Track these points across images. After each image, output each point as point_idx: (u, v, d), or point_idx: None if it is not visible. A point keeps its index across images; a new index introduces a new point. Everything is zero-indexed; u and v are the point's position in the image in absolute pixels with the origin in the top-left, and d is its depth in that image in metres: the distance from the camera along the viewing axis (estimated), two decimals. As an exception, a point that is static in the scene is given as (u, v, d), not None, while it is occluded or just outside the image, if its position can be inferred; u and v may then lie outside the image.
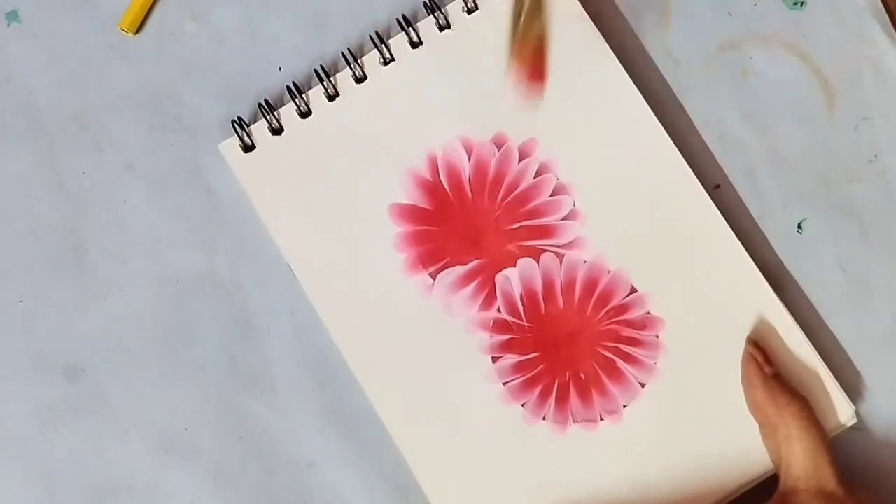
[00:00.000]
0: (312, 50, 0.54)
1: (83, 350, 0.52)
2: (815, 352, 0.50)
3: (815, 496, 0.46)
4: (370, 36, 0.53)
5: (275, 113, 0.52)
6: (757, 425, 0.49)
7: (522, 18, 0.48)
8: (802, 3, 0.55)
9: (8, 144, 0.54)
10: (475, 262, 0.51)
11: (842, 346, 0.52)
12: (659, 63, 0.54)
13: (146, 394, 0.52)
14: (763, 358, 0.49)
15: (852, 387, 0.51)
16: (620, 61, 0.52)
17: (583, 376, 0.51)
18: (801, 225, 0.53)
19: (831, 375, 0.50)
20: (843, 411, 0.50)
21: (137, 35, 0.55)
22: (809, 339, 0.50)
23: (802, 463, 0.47)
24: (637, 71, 0.53)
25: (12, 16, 0.55)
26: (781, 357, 0.50)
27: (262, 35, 0.55)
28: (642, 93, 0.52)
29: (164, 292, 0.53)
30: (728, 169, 0.54)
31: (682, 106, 0.54)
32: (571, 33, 0.52)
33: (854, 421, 0.50)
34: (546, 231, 0.52)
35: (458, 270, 0.51)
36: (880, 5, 0.55)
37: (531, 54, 0.48)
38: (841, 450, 0.48)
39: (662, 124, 0.52)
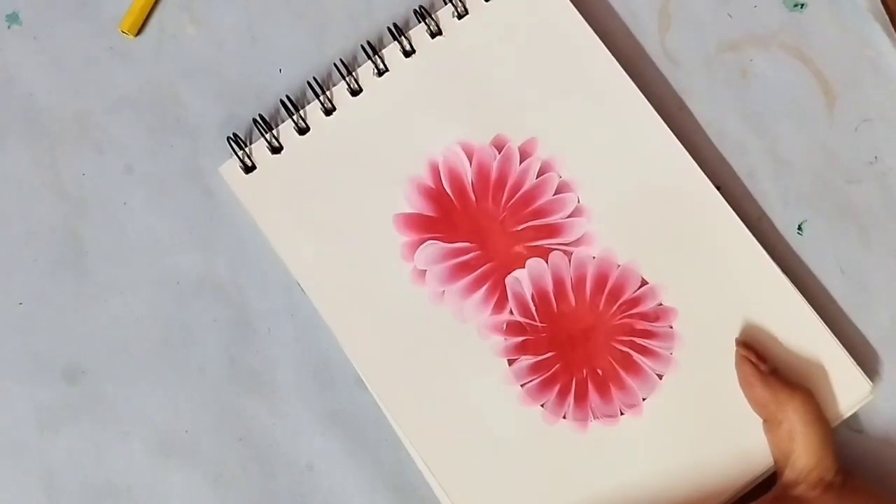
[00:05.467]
0: (312, 51, 0.54)
1: (83, 352, 0.52)
2: (828, 330, 0.50)
3: (815, 486, 0.47)
4: (362, 46, 0.53)
5: (273, 131, 0.52)
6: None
7: None
8: (802, 5, 0.55)
9: (8, 146, 0.54)
10: (484, 266, 0.51)
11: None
12: (659, 64, 0.55)
13: (146, 396, 0.52)
14: (756, 357, 0.49)
15: (853, 388, 0.51)
16: (620, 63, 0.53)
17: (600, 372, 0.51)
18: (802, 226, 0.53)
19: (845, 352, 0.50)
20: (860, 387, 0.50)
21: (138, 37, 0.55)
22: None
23: (806, 457, 0.47)
24: (637, 72, 0.53)
25: (13, 18, 0.55)
26: (793, 336, 0.50)
27: (262, 37, 0.55)
28: (642, 94, 0.52)
29: (163, 294, 0.53)
30: (728, 170, 0.54)
31: (682, 107, 0.54)
32: (562, 31, 0.53)
33: (871, 397, 0.50)
34: (552, 230, 0.52)
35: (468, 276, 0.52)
36: (880, 6, 0.55)
37: None
38: (841, 451, 0.48)
39: (662, 126, 0.52)
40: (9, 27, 0.55)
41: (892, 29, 0.55)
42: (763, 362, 0.49)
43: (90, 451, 0.51)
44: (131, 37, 0.55)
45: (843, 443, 0.50)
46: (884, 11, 0.55)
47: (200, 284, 0.53)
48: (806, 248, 0.53)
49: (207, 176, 0.54)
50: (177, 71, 0.55)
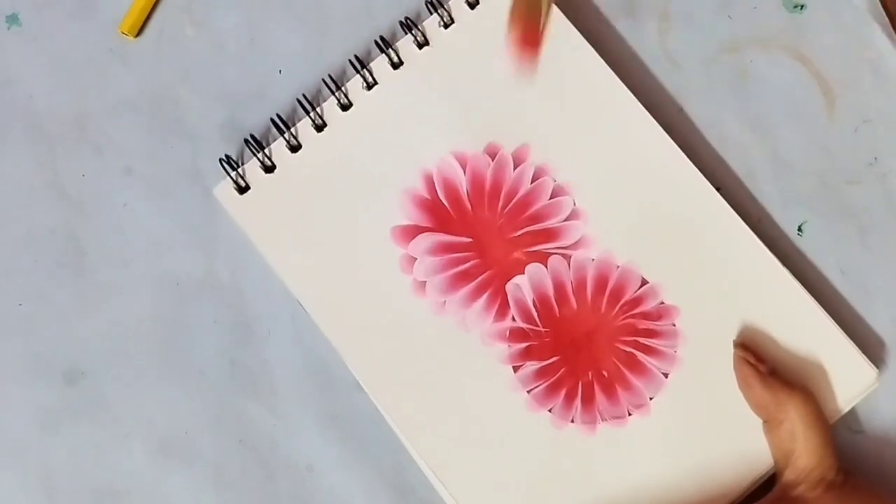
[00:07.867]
0: (312, 53, 0.54)
1: (83, 353, 0.52)
2: (830, 318, 0.50)
3: (816, 486, 0.47)
4: (350, 61, 0.53)
5: (265, 150, 0.52)
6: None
7: None
8: (802, 6, 0.55)
9: (8, 148, 0.54)
10: (484, 274, 0.51)
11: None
12: (659, 66, 0.55)
13: (146, 397, 0.52)
14: (755, 358, 0.49)
15: (853, 389, 0.51)
16: (619, 64, 0.53)
17: (605, 374, 0.50)
18: (802, 227, 0.53)
19: (849, 340, 0.50)
20: (865, 375, 0.50)
21: (138, 39, 0.55)
22: (810, 342, 0.51)
23: (807, 456, 0.47)
24: (636, 73, 0.53)
25: (12, 19, 0.55)
26: (796, 326, 0.50)
27: (262, 39, 0.55)
28: (642, 95, 0.52)
29: (163, 296, 0.53)
30: (728, 171, 0.54)
31: (682, 108, 0.54)
32: (551, 35, 0.53)
33: (877, 385, 0.50)
34: (550, 234, 0.52)
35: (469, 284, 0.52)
36: (880, 7, 0.55)
37: (526, 23, 0.47)
38: (841, 452, 0.48)
39: (662, 127, 0.52)
40: (8, 28, 0.55)
41: (892, 30, 0.55)
42: (762, 363, 0.49)
43: (90, 453, 0.51)
44: (131, 38, 0.55)
45: (843, 443, 0.50)
46: (883, 12, 0.55)
47: (200, 286, 0.53)
48: (806, 249, 0.53)
49: (207, 177, 0.54)
50: (176, 72, 0.55)
